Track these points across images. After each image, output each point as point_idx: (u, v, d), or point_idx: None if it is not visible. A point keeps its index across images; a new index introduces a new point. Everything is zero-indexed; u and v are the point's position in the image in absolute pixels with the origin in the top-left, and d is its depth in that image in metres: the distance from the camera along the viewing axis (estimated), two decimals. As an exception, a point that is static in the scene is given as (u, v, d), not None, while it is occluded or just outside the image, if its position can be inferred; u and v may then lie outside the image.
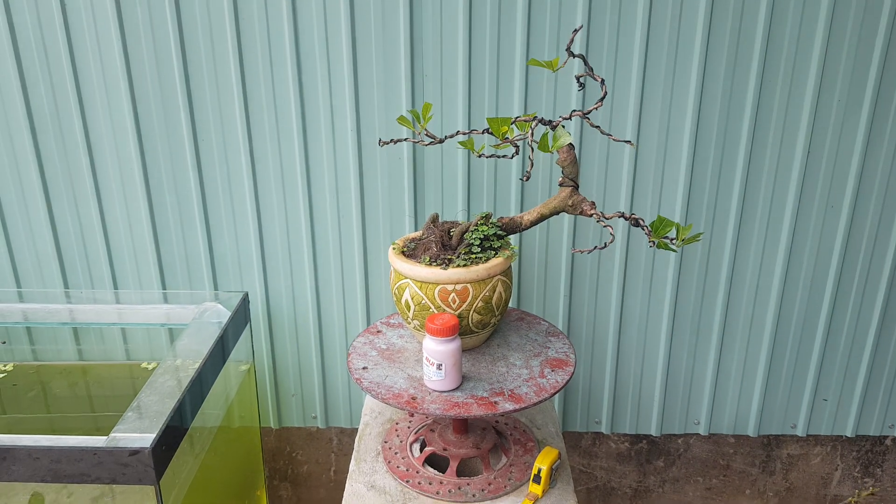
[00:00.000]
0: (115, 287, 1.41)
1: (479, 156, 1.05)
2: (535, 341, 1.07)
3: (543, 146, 0.92)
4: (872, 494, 1.18)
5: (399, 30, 1.22)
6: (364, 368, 1.01)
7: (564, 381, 0.97)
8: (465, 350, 1.03)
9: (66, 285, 1.41)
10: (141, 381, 1.34)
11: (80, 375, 1.45)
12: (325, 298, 1.41)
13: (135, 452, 0.91)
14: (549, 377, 0.97)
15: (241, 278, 1.40)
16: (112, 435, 0.93)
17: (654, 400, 1.48)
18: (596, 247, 0.92)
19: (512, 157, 1.07)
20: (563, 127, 0.93)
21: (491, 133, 0.98)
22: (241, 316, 1.31)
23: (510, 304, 1.37)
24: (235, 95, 1.26)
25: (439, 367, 0.92)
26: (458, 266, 0.96)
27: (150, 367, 1.40)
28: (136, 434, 0.93)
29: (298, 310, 1.42)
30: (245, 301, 1.33)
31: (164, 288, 1.40)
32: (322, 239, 1.37)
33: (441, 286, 0.96)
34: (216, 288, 1.40)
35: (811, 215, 1.33)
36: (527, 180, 0.88)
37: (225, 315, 1.26)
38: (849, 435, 1.51)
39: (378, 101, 1.26)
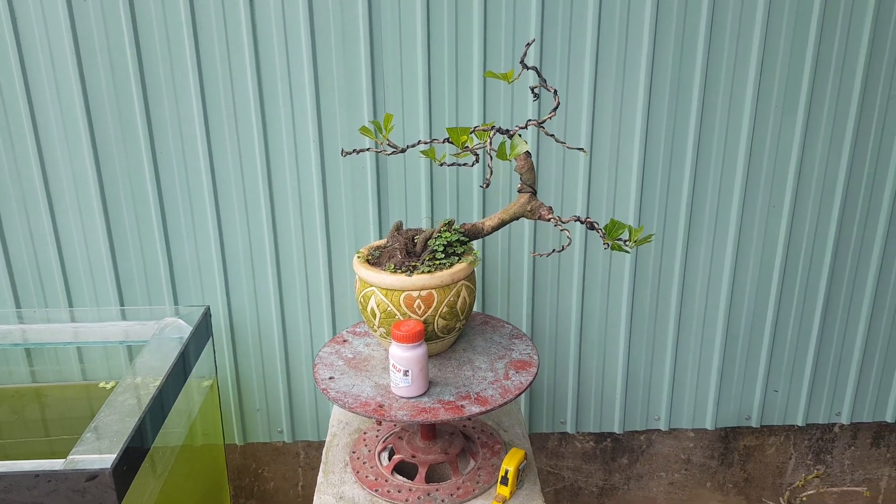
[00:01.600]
0: (71, 305, 1.37)
1: (441, 164, 1.07)
2: (500, 344, 1.10)
3: (501, 154, 0.94)
4: (818, 477, 1.24)
5: (359, 42, 1.23)
6: (330, 378, 1.01)
7: (528, 382, 0.99)
8: (431, 355, 1.04)
9: (17, 305, 1.37)
10: (99, 401, 1.31)
11: (35, 398, 1.41)
12: (289, 310, 1.41)
13: (94, 475, 0.89)
14: (513, 379, 1.00)
15: (202, 292, 1.38)
16: (70, 457, 0.91)
17: (615, 398, 1.52)
18: (554, 249, 0.95)
19: (472, 166, 1.09)
20: (520, 136, 0.96)
21: (451, 142, 1.00)
22: (202, 330, 1.30)
23: (475, 309, 1.39)
24: (195, 106, 1.26)
25: (406, 373, 0.93)
26: (423, 272, 0.98)
27: (109, 386, 1.37)
28: (96, 455, 0.91)
29: (262, 322, 1.41)
30: (207, 315, 1.32)
31: (122, 304, 1.37)
32: (285, 250, 1.36)
33: (406, 293, 0.97)
34: (177, 303, 1.38)
35: (755, 215, 1.39)
36: (486, 187, 0.91)
37: (186, 330, 1.25)
38: (800, 424, 1.58)
39: (340, 113, 1.27)
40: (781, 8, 1.25)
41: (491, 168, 0.92)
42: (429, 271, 0.98)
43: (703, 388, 1.53)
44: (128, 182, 1.30)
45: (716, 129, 1.32)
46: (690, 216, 1.38)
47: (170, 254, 1.35)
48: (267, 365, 1.45)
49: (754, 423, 1.57)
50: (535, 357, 1.06)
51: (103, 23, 1.20)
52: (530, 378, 1.00)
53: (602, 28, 1.24)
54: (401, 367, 0.93)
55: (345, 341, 1.12)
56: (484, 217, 1.34)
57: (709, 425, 1.56)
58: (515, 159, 1.02)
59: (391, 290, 0.98)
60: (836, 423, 1.61)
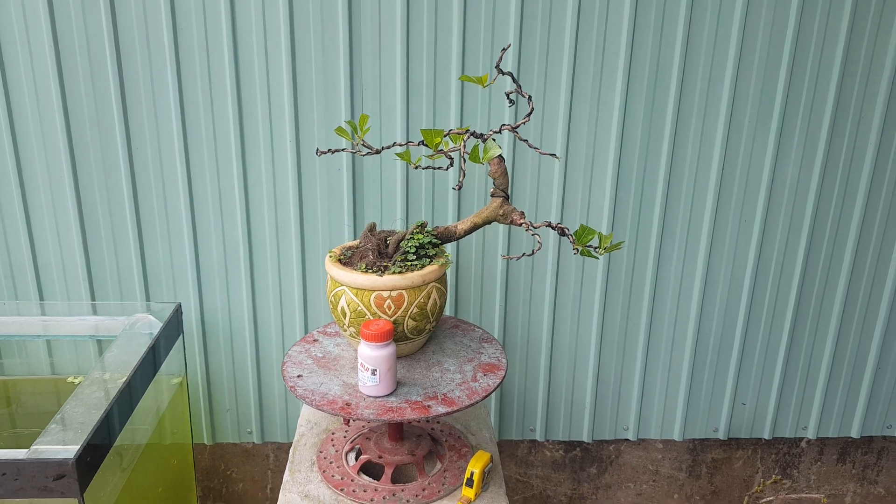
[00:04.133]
0: (42, 299, 1.36)
1: (416, 167, 1.09)
2: (469, 347, 1.10)
3: (475, 157, 0.96)
4: (775, 482, 1.25)
5: (338, 44, 1.25)
6: (299, 376, 1.01)
7: (496, 385, 1.00)
8: (400, 356, 1.05)
9: (-14, 298, 1.35)
10: (66, 395, 1.30)
11: (2, 391, 1.39)
12: (261, 309, 1.40)
13: (58, 465, 0.88)
14: (481, 381, 1.00)
15: (174, 290, 1.38)
16: (34, 447, 0.91)
17: (585, 407, 1.53)
18: (524, 253, 0.96)
19: (447, 169, 1.11)
20: (494, 140, 0.98)
21: (426, 145, 1.01)
22: (173, 327, 1.29)
23: (446, 312, 1.40)
24: (172, 103, 1.26)
25: (374, 372, 0.94)
26: (394, 273, 0.99)
27: (77, 381, 1.35)
28: (60, 446, 0.91)
29: (234, 321, 1.41)
30: (178, 312, 1.31)
31: (93, 300, 1.36)
32: (259, 249, 1.36)
33: (377, 293, 0.98)
34: (149, 300, 1.37)
35: (727, 228, 1.42)
36: (459, 189, 0.92)
37: (156, 326, 1.24)
38: (766, 437, 1.60)
39: (317, 113, 1.29)
40: (758, 14, 1.28)
41: (464, 171, 0.93)
42: (400, 272, 0.99)
43: (672, 399, 1.55)
44: (102, 176, 1.30)
45: (689, 141, 1.35)
46: (663, 227, 1.41)
47: (143, 251, 1.35)
48: (238, 364, 1.44)
49: (721, 436, 1.59)
50: (504, 360, 1.07)
51: (83, 20, 1.21)
52: (498, 381, 1.01)
53: (580, 34, 1.27)
54: (369, 365, 0.93)
55: (315, 341, 1.13)
56: (459, 220, 1.35)
57: (677, 436, 1.58)
58: (489, 163, 1.04)
59: (362, 289, 0.99)
60: (802, 438, 1.63)
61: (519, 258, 0.95)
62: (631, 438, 1.58)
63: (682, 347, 1.51)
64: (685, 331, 1.49)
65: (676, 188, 1.38)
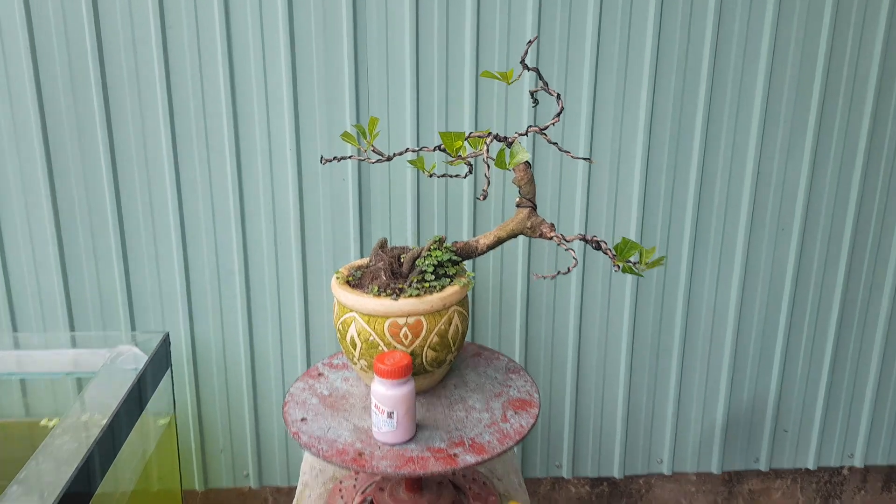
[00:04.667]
0: (15, 329, 1.23)
1: (430, 175, 0.96)
2: (495, 379, 0.97)
3: (500, 163, 0.84)
4: None
5: (342, 46, 1.13)
6: (303, 420, 0.88)
7: (530, 425, 0.87)
8: (418, 392, 0.92)
9: (-48, 331, 1.22)
10: (41, 441, 1.16)
11: (-32, 436, 1.25)
12: (259, 338, 1.27)
13: (20, 534, 0.74)
14: (512, 421, 0.87)
15: (162, 318, 1.25)
16: (-7, 511, 0.77)
17: (615, 439, 1.40)
18: (559, 272, 0.84)
19: (465, 177, 0.99)
20: (520, 143, 0.86)
21: (443, 150, 0.89)
22: (161, 360, 1.16)
23: (463, 340, 1.27)
24: (161, 113, 1.14)
25: (390, 415, 0.80)
26: (410, 296, 0.86)
27: (52, 424, 1.22)
28: (24, 509, 0.77)
29: (228, 352, 1.28)
30: (166, 342, 1.18)
31: (72, 329, 1.23)
32: (257, 271, 1.24)
33: (391, 319, 0.85)
34: (134, 329, 1.24)
35: (763, 239, 1.30)
36: (484, 199, 0.80)
37: (142, 359, 1.11)
38: (810, 467, 1.47)
39: (320, 120, 1.17)
40: (792, 9, 1.18)
41: (488, 178, 0.81)
42: (417, 295, 0.86)
43: (709, 427, 1.42)
44: (84, 196, 1.18)
45: (722, 142, 1.24)
46: (695, 238, 1.29)
47: (127, 274, 1.22)
48: (233, 400, 1.30)
49: (763, 467, 1.46)
50: (536, 396, 0.94)
51: (63, 28, 1.09)
52: (531, 420, 0.88)
53: (602, 26, 1.15)
54: (384, 407, 0.80)
55: (320, 375, 1.00)
56: (475, 234, 1.23)
57: (715, 469, 1.45)
58: (514, 170, 0.92)
59: (374, 316, 0.86)
60: (845, 466, 1.50)
61: (553, 277, 0.83)
62: (665, 472, 1.44)
63: (717, 371, 1.38)
64: (721, 354, 1.36)
65: (708, 193, 1.27)
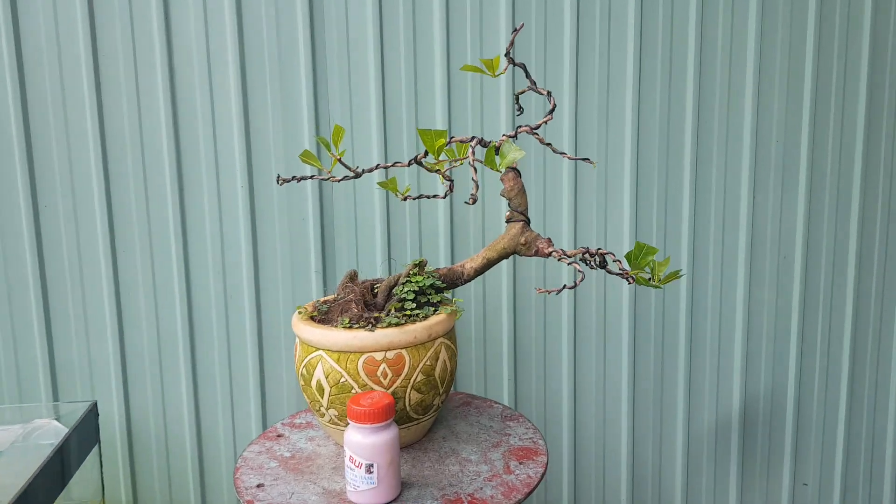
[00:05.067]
0: None
1: (404, 199, 0.84)
2: (491, 428, 0.82)
3: (490, 161, 0.73)
4: None
5: (299, 48, 1.04)
6: (259, 486, 0.71)
7: (539, 476, 0.71)
8: (402, 446, 0.76)
9: None
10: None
11: None
12: (206, 403, 1.09)
13: None
14: (517, 472, 0.72)
15: (91, 388, 1.06)
16: None
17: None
18: (565, 286, 0.72)
19: (445, 197, 0.87)
20: (510, 142, 0.75)
21: (418, 163, 0.78)
22: (87, 434, 0.97)
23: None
24: (92, 155, 1.01)
25: (369, 469, 0.64)
26: (390, 325, 0.72)
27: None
28: None
29: (170, 421, 1.09)
30: (93, 413, 0.99)
31: (-23, 403, 1.03)
32: (203, 325, 1.08)
33: (367, 355, 0.71)
34: (56, 399, 1.05)
35: (765, 269, 1.21)
36: (473, 203, 0.69)
37: (62, 433, 0.92)
38: (834, 524, 1.32)
39: (274, 147, 1.05)
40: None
41: (476, 181, 0.70)
42: (397, 324, 0.72)
43: (722, 484, 1.27)
44: (-2, 241, 1.02)
45: (714, 165, 1.16)
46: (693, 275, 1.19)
47: (51, 339, 1.05)
48: (175, 477, 1.10)
49: (784, 525, 1.30)
50: (541, 442, 0.79)
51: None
52: (540, 469, 0.72)
53: (581, 18, 1.09)
54: (362, 459, 0.64)
55: (279, 436, 0.83)
56: (452, 263, 1.10)
57: (732, 529, 1.28)
58: (502, 180, 0.81)
59: (345, 352, 0.71)
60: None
61: (559, 291, 0.71)
62: (679, 537, 1.27)
63: (727, 417, 1.24)
64: (730, 403, 1.24)
65: (703, 229, 1.18)
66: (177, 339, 1.08)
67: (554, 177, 1.12)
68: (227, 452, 1.11)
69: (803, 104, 1.16)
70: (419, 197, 0.87)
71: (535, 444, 0.78)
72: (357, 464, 0.64)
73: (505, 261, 1.05)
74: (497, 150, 0.75)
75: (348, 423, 0.66)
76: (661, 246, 1.17)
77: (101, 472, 1.04)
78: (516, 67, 0.76)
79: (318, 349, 0.73)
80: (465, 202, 0.72)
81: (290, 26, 1.03)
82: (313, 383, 0.73)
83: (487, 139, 0.77)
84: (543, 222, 1.13)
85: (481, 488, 0.69)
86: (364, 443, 0.64)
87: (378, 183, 0.88)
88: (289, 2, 1.03)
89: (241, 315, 1.08)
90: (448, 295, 0.84)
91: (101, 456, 1.03)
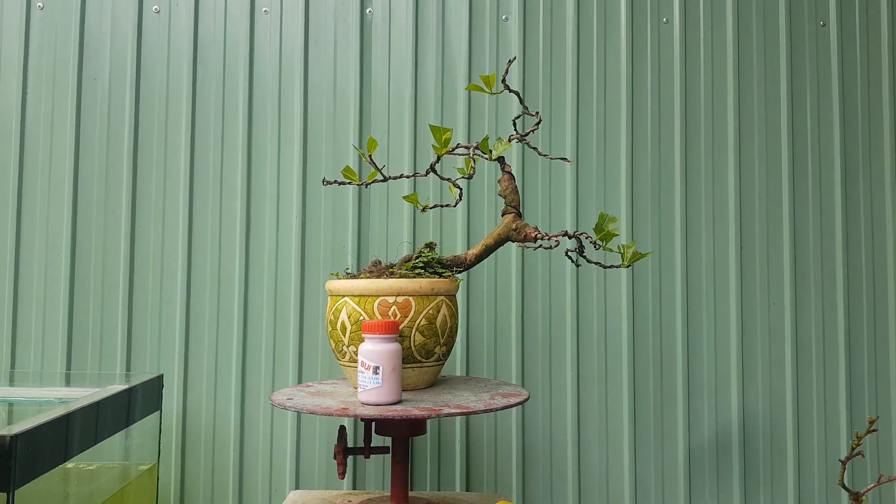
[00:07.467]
0: (13, 367, 1.24)
1: (424, 210, 1.06)
2: (486, 387, 0.97)
3: (484, 147, 0.94)
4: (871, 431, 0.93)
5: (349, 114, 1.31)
6: (289, 399, 0.87)
7: (516, 402, 0.85)
8: (407, 389, 0.91)
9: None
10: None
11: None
12: (251, 395, 1.27)
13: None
14: (499, 401, 0.86)
15: (158, 366, 1.26)
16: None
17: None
18: (541, 245, 0.90)
19: (455, 206, 1.08)
20: (501, 139, 0.97)
21: (434, 171, 1.00)
22: (151, 396, 1.15)
23: (457, 373, 1.26)
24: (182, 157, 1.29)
25: (376, 370, 0.81)
26: (401, 276, 0.91)
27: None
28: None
29: (218, 407, 1.26)
30: (158, 381, 1.18)
31: (69, 368, 1.23)
32: (254, 323, 1.28)
33: (381, 298, 0.89)
34: (129, 370, 1.25)
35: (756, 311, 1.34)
36: (470, 178, 0.89)
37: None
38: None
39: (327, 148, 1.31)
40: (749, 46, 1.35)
41: (474, 161, 0.91)
42: (407, 276, 0.91)
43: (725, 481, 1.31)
44: (101, 236, 1.28)
45: (703, 211, 1.34)
46: (688, 307, 1.32)
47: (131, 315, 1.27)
48: (219, 462, 1.25)
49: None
50: (525, 392, 0.93)
51: (108, 96, 1.29)
52: (519, 401, 0.86)
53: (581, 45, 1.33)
54: (370, 362, 0.81)
55: (308, 385, 1.00)
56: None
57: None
58: (499, 181, 1.02)
59: (364, 296, 0.90)
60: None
61: (535, 248, 0.88)
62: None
63: (728, 455, 1.31)
64: (729, 442, 1.31)
65: (696, 258, 1.33)
66: (232, 328, 1.27)
67: (559, 186, 1.32)
68: (264, 444, 1.26)
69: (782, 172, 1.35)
70: (435, 206, 1.09)
71: (520, 392, 0.92)
72: (366, 366, 0.81)
73: (514, 271, 1.23)
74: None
75: (363, 337, 0.83)
76: (656, 307, 1.33)
77: (160, 438, 1.21)
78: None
79: (343, 296, 0.92)
80: (464, 177, 0.93)
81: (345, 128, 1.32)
82: (338, 325, 0.91)
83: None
84: (548, 224, 1.32)
85: (467, 402, 0.83)
86: (373, 350, 0.81)
87: (404, 197, 1.10)
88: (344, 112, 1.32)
89: (286, 308, 1.28)
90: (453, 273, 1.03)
91: (161, 422, 1.21)
